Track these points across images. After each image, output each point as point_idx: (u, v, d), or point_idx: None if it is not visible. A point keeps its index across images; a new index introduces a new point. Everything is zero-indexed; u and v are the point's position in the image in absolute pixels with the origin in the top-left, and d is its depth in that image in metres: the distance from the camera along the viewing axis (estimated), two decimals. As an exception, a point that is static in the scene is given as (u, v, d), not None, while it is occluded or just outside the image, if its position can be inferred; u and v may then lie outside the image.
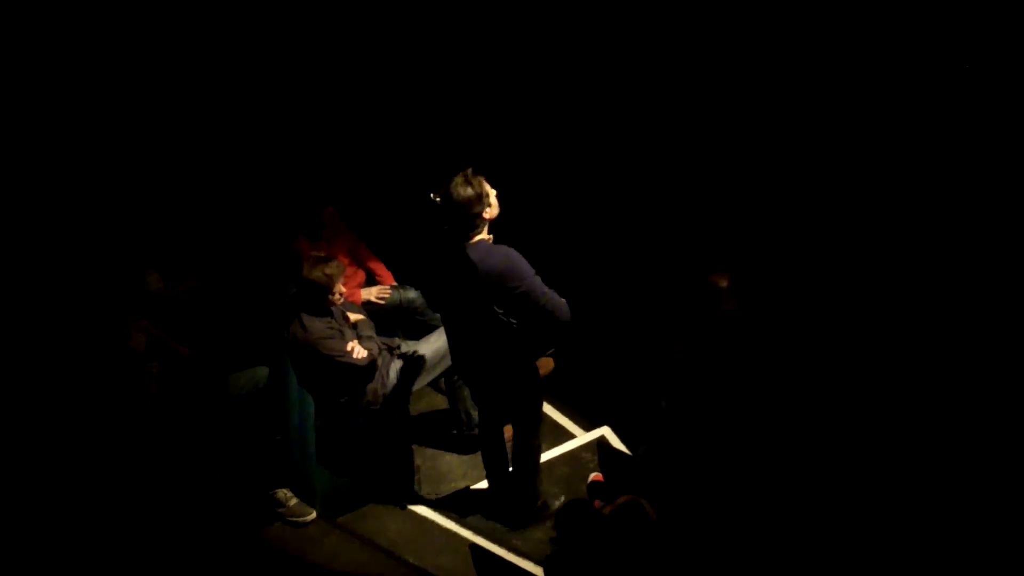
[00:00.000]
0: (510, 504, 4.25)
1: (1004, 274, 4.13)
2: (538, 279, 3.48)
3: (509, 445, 4.18)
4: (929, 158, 4.45)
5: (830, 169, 4.83)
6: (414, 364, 4.29)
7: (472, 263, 3.43)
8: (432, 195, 4.00)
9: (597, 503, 4.21)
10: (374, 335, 4.27)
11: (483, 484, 4.44)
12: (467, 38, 5.59)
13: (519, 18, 5.53)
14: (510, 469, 4.26)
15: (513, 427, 4.03)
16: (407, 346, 4.41)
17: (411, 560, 4.11)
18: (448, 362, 4.35)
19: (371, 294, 4.74)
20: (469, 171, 3.43)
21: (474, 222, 3.44)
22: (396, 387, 4.24)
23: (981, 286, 4.19)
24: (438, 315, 4.83)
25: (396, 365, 4.26)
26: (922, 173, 4.48)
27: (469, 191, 3.39)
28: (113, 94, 4.99)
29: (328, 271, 3.97)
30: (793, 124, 4.95)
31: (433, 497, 4.46)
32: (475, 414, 4.50)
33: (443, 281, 3.61)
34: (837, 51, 4.69)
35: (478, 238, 3.48)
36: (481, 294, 3.47)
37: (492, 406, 4.05)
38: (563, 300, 3.53)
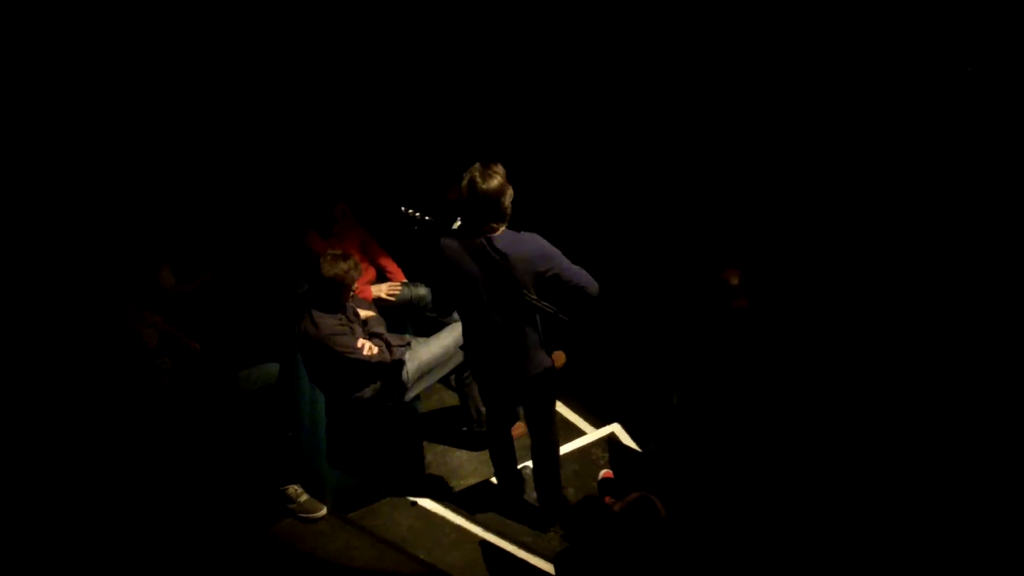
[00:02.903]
0: (539, 498, 4.23)
1: (1007, 269, 4.12)
2: (565, 259, 3.51)
3: (516, 444, 4.19)
4: (937, 157, 4.44)
5: (840, 168, 4.82)
6: (424, 361, 4.29)
7: (503, 254, 3.43)
8: (404, 209, 3.96)
9: (608, 500, 4.21)
10: (385, 332, 4.27)
11: (493, 480, 4.45)
12: (478, 36, 5.58)
13: (530, 17, 5.52)
14: (519, 466, 4.29)
15: (530, 424, 4.01)
16: (417, 343, 4.41)
17: (421, 556, 4.12)
18: (459, 359, 4.35)
19: (382, 291, 4.74)
20: (485, 164, 3.42)
21: (503, 213, 3.44)
22: (406, 384, 4.24)
23: (984, 282, 4.18)
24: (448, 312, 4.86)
25: (407, 362, 4.26)
26: (931, 172, 4.47)
27: (496, 181, 3.38)
28: (126, 92, 5.00)
29: (347, 268, 3.98)
30: (805, 123, 4.93)
31: (443, 493, 4.46)
32: (485, 411, 4.51)
33: (465, 278, 3.56)
34: (845, 52, 4.68)
35: (502, 229, 3.48)
36: (513, 283, 3.46)
37: (504, 404, 4.04)
38: (588, 274, 3.56)
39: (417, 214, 3.92)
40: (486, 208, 3.42)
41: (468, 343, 3.85)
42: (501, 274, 3.46)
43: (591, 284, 3.55)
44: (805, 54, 4.85)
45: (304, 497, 4.25)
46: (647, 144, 5.54)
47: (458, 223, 3.72)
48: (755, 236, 5.00)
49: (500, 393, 3.97)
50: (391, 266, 4.91)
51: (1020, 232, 4.14)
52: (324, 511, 4.27)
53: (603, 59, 5.51)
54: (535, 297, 3.49)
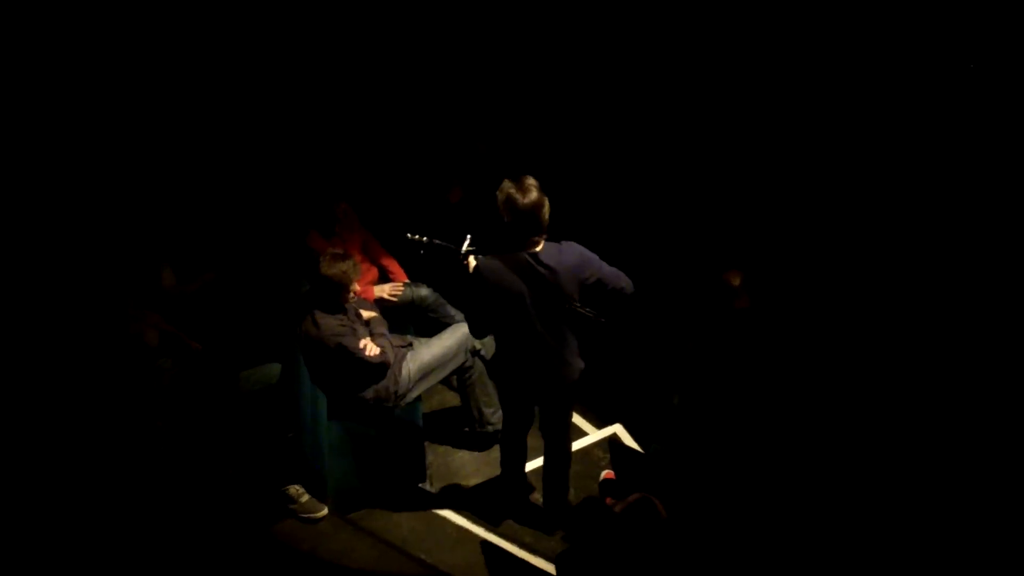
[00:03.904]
0: (547, 500, 4.22)
1: (1007, 270, 4.12)
2: (603, 261, 3.51)
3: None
4: (938, 158, 4.44)
5: (841, 169, 4.81)
6: (426, 361, 4.29)
7: (550, 268, 3.41)
8: (411, 235, 3.94)
9: (609, 501, 4.21)
10: (387, 332, 4.27)
11: (495, 481, 4.44)
12: (479, 37, 5.58)
13: (531, 17, 5.52)
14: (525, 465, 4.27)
15: (551, 427, 3.97)
16: (419, 343, 4.41)
17: (422, 557, 4.12)
18: (461, 359, 4.35)
19: (384, 291, 4.74)
20: (518, 179, 3.37)
21: (543, 226, 3.40)
22: (408, 384, 4.24)
23: (984, 283, 4.18)
24: (451, 312, 4.85)
25: (408, 362, 4.26)
26: (931, 173, 4.47)
27: (534, 195, 3.34)
28: (128, 92, 5.01)
29: (345, 268, 3.98)
30: (806, 125, 4.93)
31: (445, 494, 4.46)
32: (487, 412, 4.50)
33: (510, 297, 3.46)
34: (846, 54, 4.68)
35: (543, 242, 3.45)
36: (561, 295, 3.44)
37: (531, 411, 4.00)
38: (623, 273, 3.56)
39: (424, 239, 3.90)
40: (526, 224, 3.38)
41: (506, 358, 3.75)
42: (549, 288, 3.43)
43: (628, 284, 3.57)
44: (806, 56, 4.85)
45: (305, 497, 4.25)
46: (648, 145, 5.54)
47: (468, 241, 3.69)
48: (757, 237, 5.00)
49: (533, 401, 3.94)
50: (393, 266, 4.91)
51: (1020, 233, 4.14)
52: (325, 511, 4.26)
53: (604, 60, 5.51)
54: (579, 305, 3.49)
